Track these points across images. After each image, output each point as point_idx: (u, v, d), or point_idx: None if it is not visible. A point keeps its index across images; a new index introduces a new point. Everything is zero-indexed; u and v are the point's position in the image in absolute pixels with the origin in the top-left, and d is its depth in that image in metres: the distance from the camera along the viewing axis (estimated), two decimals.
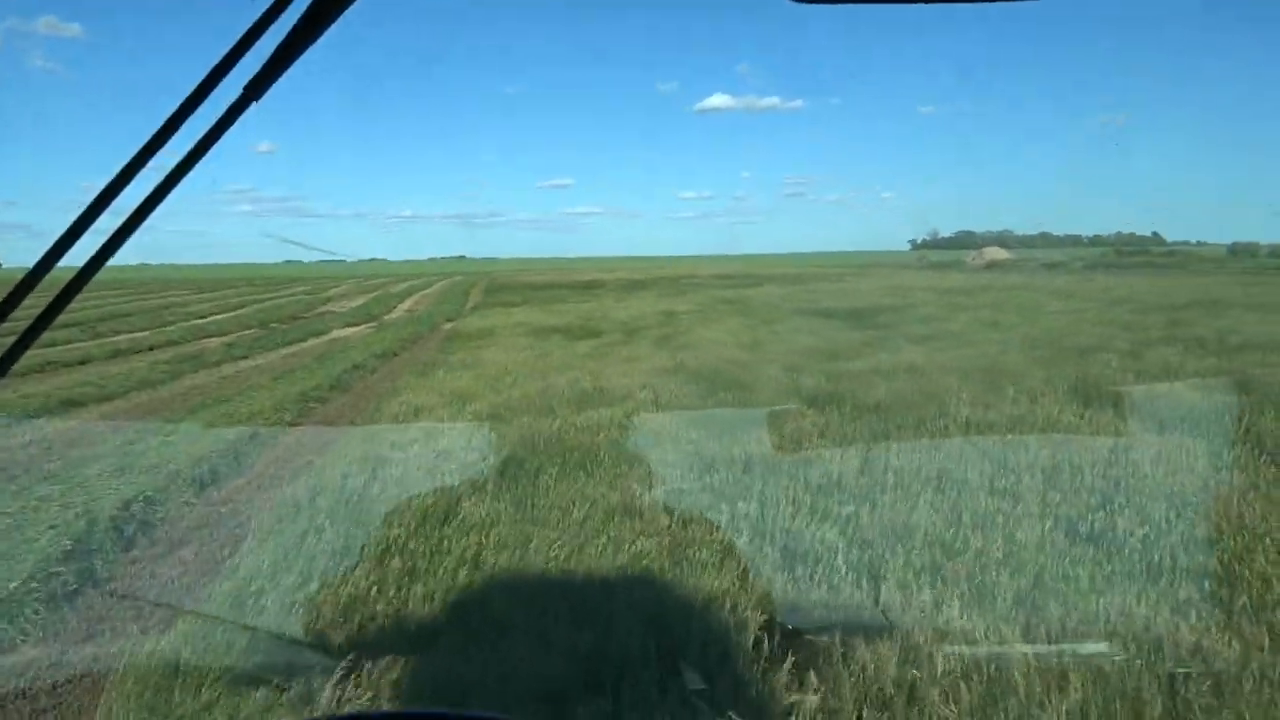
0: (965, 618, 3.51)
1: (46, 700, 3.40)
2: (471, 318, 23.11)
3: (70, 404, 9.96)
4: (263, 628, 3.78)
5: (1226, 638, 3.33)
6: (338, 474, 6.25)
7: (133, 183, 0.81)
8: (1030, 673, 3.06)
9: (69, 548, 4.62)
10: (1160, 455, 5.62)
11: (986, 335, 14.74)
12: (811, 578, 3.94)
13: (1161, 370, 10.66)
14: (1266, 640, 3.28)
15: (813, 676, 3.13)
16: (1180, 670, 3.07)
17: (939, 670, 3.11)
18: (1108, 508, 4.70)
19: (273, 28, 0.79)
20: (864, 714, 3.00)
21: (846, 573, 3.92)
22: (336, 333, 20.72)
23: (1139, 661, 3.12)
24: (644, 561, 4.23)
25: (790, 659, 3.26)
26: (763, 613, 3.67)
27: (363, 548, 4.58)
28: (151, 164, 0.82)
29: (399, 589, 4.05)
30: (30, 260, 0.86)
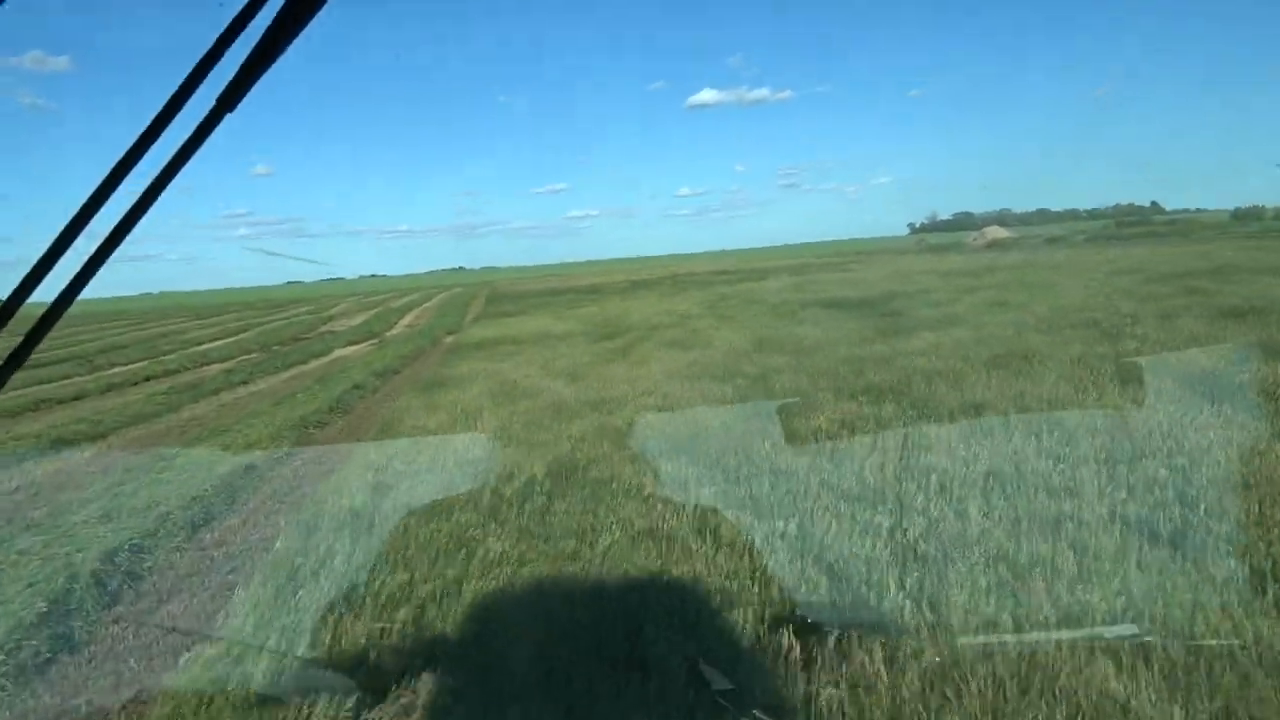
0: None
1: None
2: (473, 329, 22.70)
3: (61, 443, 9.59)
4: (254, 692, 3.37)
5: None
6: (337, 507, 5.84)
7: (105, 206, 0.78)
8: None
9: (44, 610, 4.21)
10: (1228, 438, 5.19)
11: (1002, 317, 14.30)
12: (862, 603, 3.52)
13: (1189, 340, 10.26)
14: None
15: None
16: None
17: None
18: (1186, 503, 4.26)
19: (242, 36, 0.77)
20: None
21: (902, 599, 3.49)
22: (338, 352, 20.35)
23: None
24: (675, 596, 3.82)
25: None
26: (811, 651, 3.25)
27: (364, 598, 4.17)
28: (121, 190, 0.79)
29: (404, 644, 3.63)
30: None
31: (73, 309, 0.84)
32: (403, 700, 3.18)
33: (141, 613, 4.42)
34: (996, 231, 77.09)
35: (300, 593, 4.37)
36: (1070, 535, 4.05)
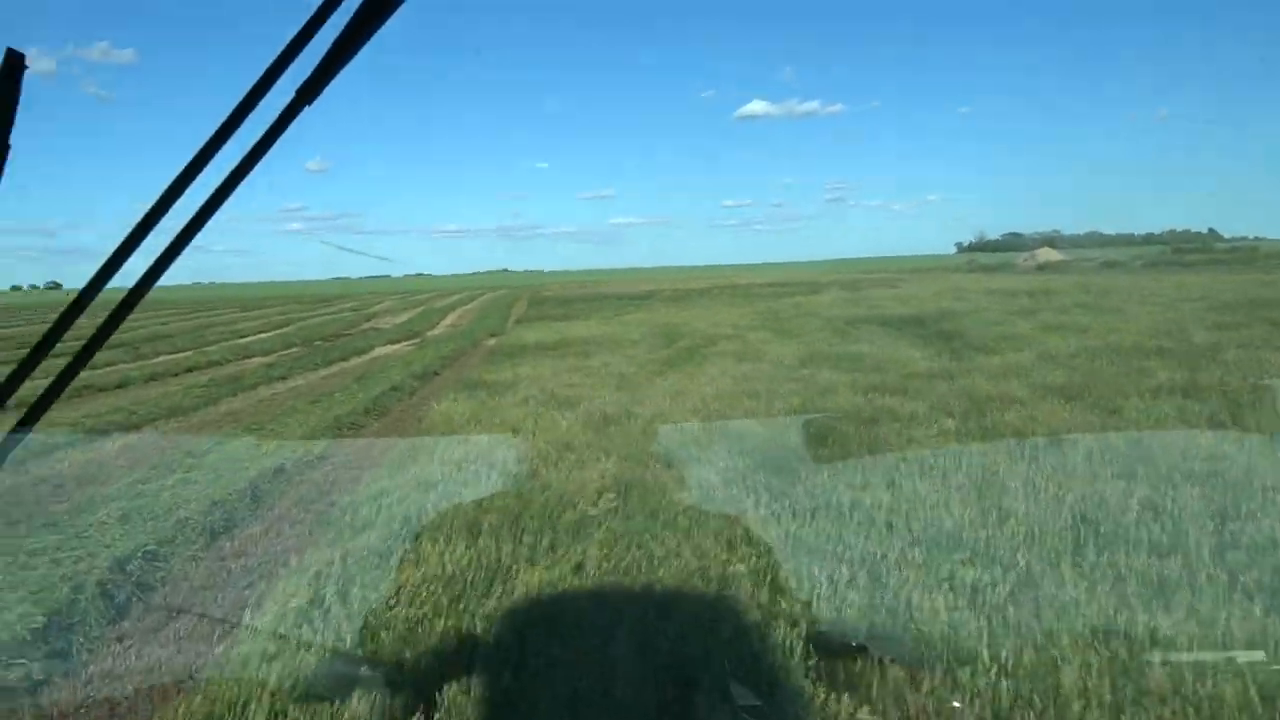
0: None
1: None
2: (516, 332, 22.43)
3: (95, 434, 9.42)
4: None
5: None
6: (361, 521, 5.49)
7: (183, 197, 0.80)
8: None
9: (41, 624, 3.89)
10: None
11: (1070, 341, 13.60)
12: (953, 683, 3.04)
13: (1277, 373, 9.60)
14: None
15: None
16: None
17: None
18: None
19: (322, 31, 0.78)
20: None
21: (1000, 680, 3.01)
22: (379, 350, 20.20)
23: None
24: (731, 650, 3.37)
25: None
26: None
27: (386, 627, 3.78)
28: (200, 180, 0.80)
29: (420, 685, 3.24)
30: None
31: (122, 297, 0.85)
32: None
33: (146, 631, 4.08)
34: (1049, 253, 75.21)
35: (313, 612, 4.00)
36: (1186, 604, 3.53)
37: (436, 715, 3.06)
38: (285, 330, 27.76)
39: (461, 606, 3.95)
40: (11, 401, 0.81)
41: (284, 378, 14.87)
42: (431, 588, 4.22)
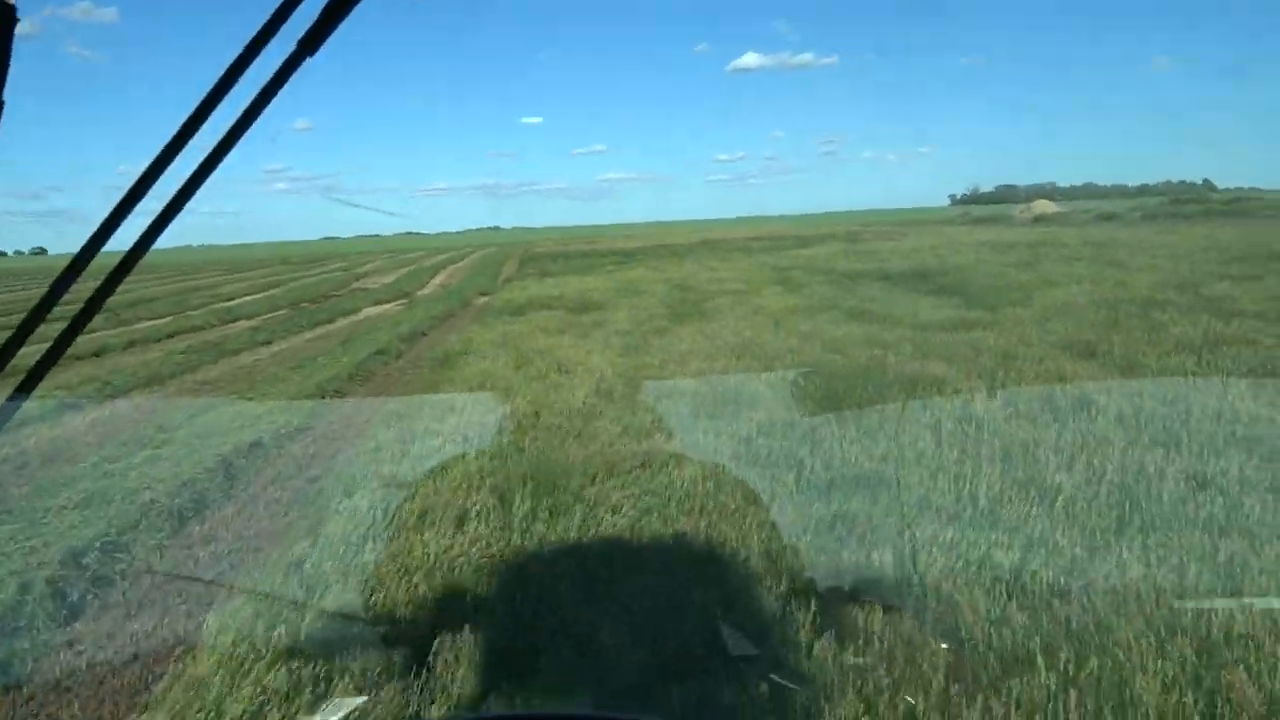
0: None
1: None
2: (506, 291, 21.90)
3: (67, 407, 8.96)
4: None
5: None
6: (336, 502, 5.09)
7: (177, 159, 0.78)
8: None
9: None
10: None
11: (1081, 294, 13.18)
12: (1001, 687, 2.66)
13: None
14: None
15: None
16: None
17: None
18: None
19: None
20: None
21: (1054, 682, 2.63)
22: (367, 311, 19.70)
23: None
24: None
25: None
26: None
27: (365, 625, 3.40)
28: (197, 138, 0.78)
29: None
30: (74, 246, 0.84)
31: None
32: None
33: (100, 636, 3.68)
34: (1045, 205, 74.30)
35: (287, 608, 3.61)
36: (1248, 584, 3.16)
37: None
38: (272, 293, 27.15)
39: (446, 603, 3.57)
40: (6, 370, 0.80)
41: (268, 342, 14.39)
42: (414, 574, 3.83)
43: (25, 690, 3.27)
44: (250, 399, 8.73)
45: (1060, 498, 4.16)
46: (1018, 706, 2.60)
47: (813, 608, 3.26)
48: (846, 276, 19.30)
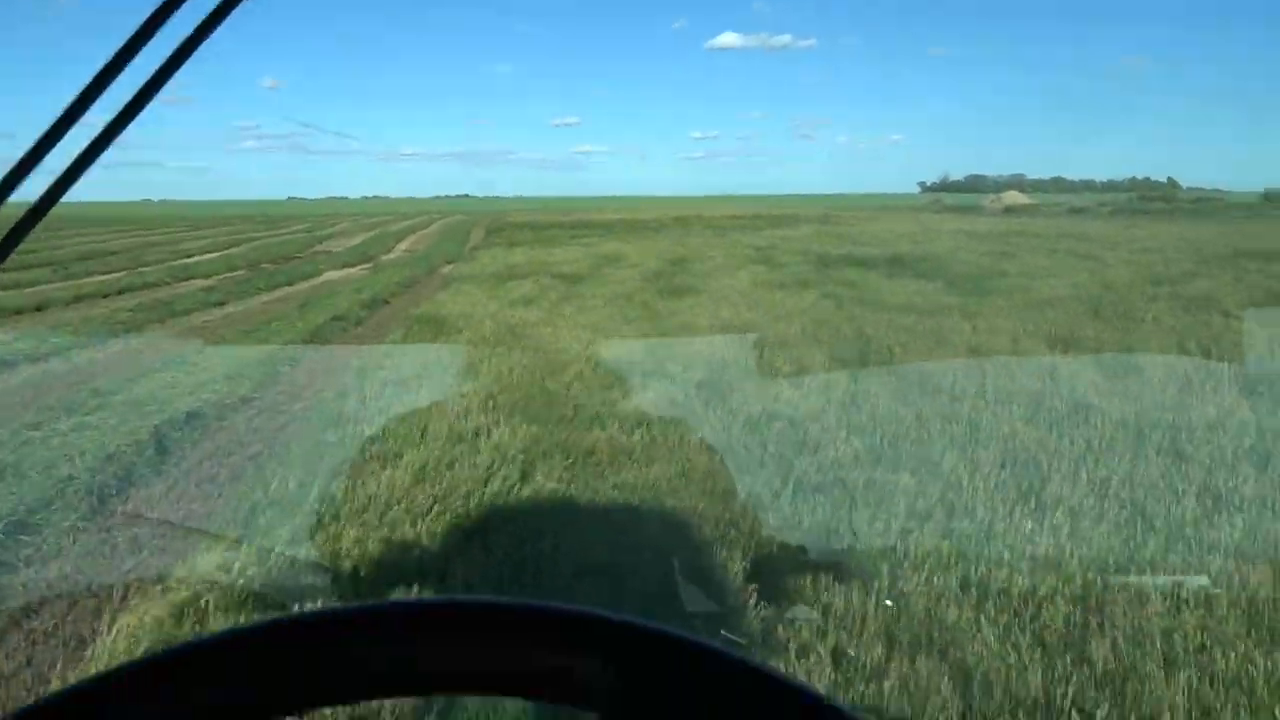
0: None
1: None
2: (475, 260, 21.33)
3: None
4: None
5: None
6: (279, 482, 4.67)
7: (115, 86, 0.70)
8: None
9: None
10: None
11: (1063, 287, 12.99)
12: None
13: None
14: None
15: None
16: None
17: None
18: None
19: None
20: None
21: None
22: (329, 274, 19.03)
23: None
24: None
25: None
26: None
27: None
28: (131, 69, 0.70)
29: None
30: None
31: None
32: None
33: None
34: (1015, 196, 74.65)
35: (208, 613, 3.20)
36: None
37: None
38: (231, 251, 26.26)
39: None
40: None
41: (221, 303, 13.76)
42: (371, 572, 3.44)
43: None
44: (194, 364, 8.20)
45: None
46: None
47: None
48: (827, 263, 19.02)
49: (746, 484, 4.41)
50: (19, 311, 12.65)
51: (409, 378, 6.83)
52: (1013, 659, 2.90)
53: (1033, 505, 4.18)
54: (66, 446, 5.32)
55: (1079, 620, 3.10)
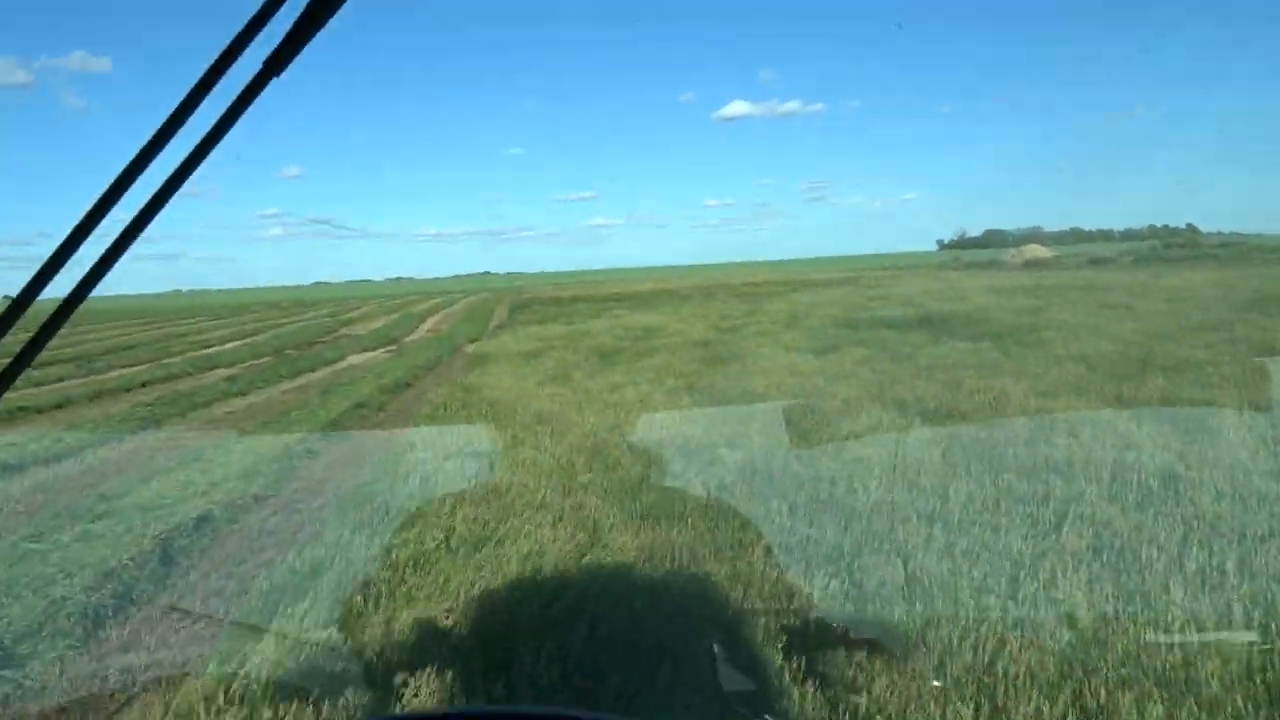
0: None
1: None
2: (499, 337, 21.12)
3: (8, 470, 8.08)
4: None
5: None
6: (281, 605, 4.25)
7: (144, 177, 0.72)
8: None
9: None
10: None
11: (1105, 345, 12.47)
12: None
13: None
14: None
15: None
16: None
17: None
18: None
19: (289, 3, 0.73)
20: None
21: None
22: (352, 359, 18.86)
23: None
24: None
25: None
26: None
27: None
28: (159, 161, 0.72)
29: None
30: (61, 290, 0.76)
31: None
32: None
33: None
34: (1036, 250, 74.09)
35: None
36: None
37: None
38: (255, 339, 26.31)
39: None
40: None
41: (243, 393, 13.53)
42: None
43: None
44: (209, 461, 7.87)
45: None
46: None
47: None
48: (855, 326, 18.62)
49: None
50: (40, 410, 12.45)
51: (432, 471, 6.42)
52: None
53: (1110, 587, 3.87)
54: (65, 562, 4.95)
55: None
